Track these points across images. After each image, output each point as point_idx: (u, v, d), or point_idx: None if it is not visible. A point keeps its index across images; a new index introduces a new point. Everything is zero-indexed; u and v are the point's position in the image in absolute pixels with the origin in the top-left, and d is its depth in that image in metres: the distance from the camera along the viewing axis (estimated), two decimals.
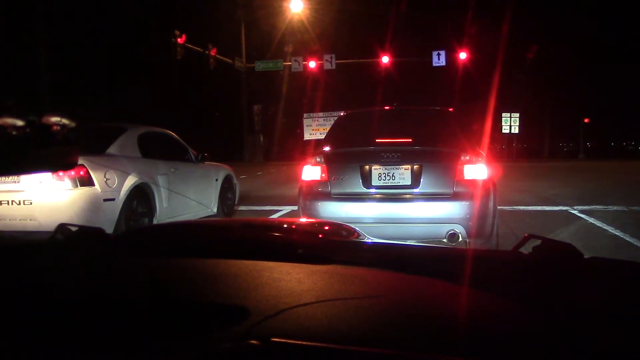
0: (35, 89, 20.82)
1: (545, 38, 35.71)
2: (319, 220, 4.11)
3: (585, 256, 1.27)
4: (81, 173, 5.58)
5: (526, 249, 1.36)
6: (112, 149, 6.37)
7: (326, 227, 1.94)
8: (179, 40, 26.26)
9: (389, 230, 4.85)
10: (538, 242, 1.31)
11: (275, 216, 9.11)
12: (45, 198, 5.50)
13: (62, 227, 1.56)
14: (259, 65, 33.39)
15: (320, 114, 35.28)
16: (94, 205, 5.68)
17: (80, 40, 28.64)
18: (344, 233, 1.78)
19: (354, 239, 1.72)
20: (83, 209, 5.57)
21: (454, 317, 0.98)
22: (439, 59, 30.52)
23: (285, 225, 2.00)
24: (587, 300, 1.07)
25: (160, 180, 6.82)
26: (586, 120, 44.28)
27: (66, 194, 5.50)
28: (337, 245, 1.56)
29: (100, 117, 8.40)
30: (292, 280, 1.14)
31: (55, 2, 23.14)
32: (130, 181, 6.16)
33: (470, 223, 4.81)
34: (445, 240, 4.77)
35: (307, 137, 34.67)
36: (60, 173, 5.40)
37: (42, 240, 1.82)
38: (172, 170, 7.20)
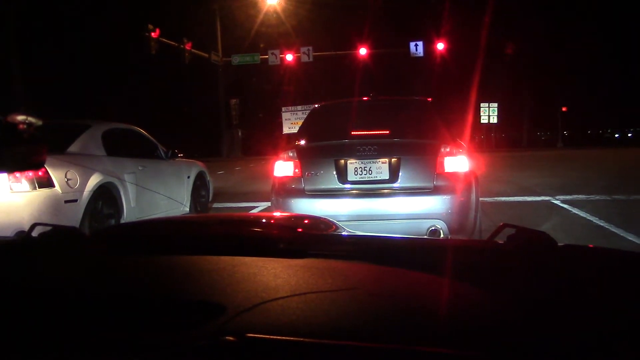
0: (9, 89, 20.34)
1: (522, 27, 35.81)
2: (296, 214, 3.93)
3: (560, 244, 1.27)
4: (39, 173, 5.22)
5: (502, 239, 1.35)
6: (73, 147, 6.02)
7: (305, 221, 1.93)
8: (152, 34, 25.73)
9: (367, 228, 4.59)
10: (513, 230, 1.31)
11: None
12: (0, 200, 5.13)
13: (36, 227, 1.53)
14: (236, 59, 33.07)
15: (299, 107, 34.95)
16: (54, 208, 5.33)
17: (51, 37, 28.01)
18: (323, 226, 1.78)
19: (332, 232, 1.72)
20: (42, 212, 5.21)
21: (430, 308, 0.98)
22: (417, 50, 30.48)
23: (263, 220, 1.97)
24: (562, 287, 1.09)
25: (127, 179, 6.48)
26: (564, 109, 44.58)
27: (23, 196, 5.13)
28: (315, 239, 1.55)
29: (73, 115, 8.07)
30: (268, 274, 1.13)
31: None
32: (93, 181, 5.82)
33: (452, 218, 4.58)
34: (426, 237, 4.53)
35: (286, 130, 34.35)
36: (30, 173, 5.08)
37: (15, 239, 1.82)
38: (140, 168, 6.87)
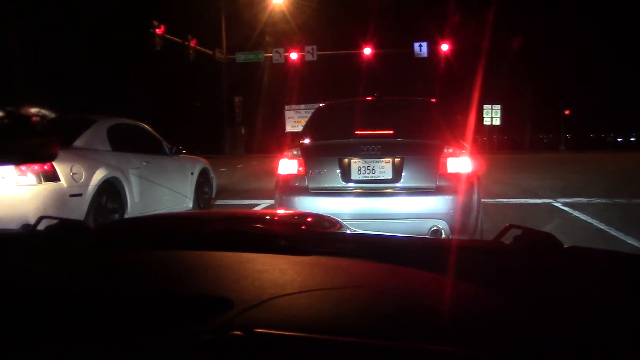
0: (9, 82, 20.32)
1: (526, 30, 35.78)
2: (300, 212, 3.96)
3: (565, 245, 1.27)
4: (45, 167, 5.27)
5: (507, 239, 1.36)
6: (79, 142, 6.06)
7: (309, 219, 1.93)
8: (157, 31, 25.75)
9: (369, 227, 4.63)
10: (519, 231, 1.32)
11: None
12: (7, 193, 5.18)
13: (42, 220, 1.53)
14: (240, 57, 33.10)
15: (302, 106, 34.99)
16: (59, 202, 5.37)
17: (56, 31, 28.03)
18: (326, 224, 1.78)
19: (336, 230, 1.72)
20: (47, 205, 5.26)
21: (435, 307, 0.98)
22: (421, 50, 30.49)
23: (267, 217, 1.99)
24: (567, 288, 1.09)
25: (132, 174, 6.53)
26: (567, 112, 44.55)
27: (29, 189, 5.18)
28: (319, 237, 1.56)
29: (76, 110, 8.09)
30: (275, 271, 1.14)
31: None
32: (98, 175, 5.86)
33: (453, 218, 4.61)
34: (428, 236, 4.57)
35: (288, 129, 34.39)
36: (36, 167, 5.13)
37: (21, 232, 1.81)
38: (145, 163, 6.91)
